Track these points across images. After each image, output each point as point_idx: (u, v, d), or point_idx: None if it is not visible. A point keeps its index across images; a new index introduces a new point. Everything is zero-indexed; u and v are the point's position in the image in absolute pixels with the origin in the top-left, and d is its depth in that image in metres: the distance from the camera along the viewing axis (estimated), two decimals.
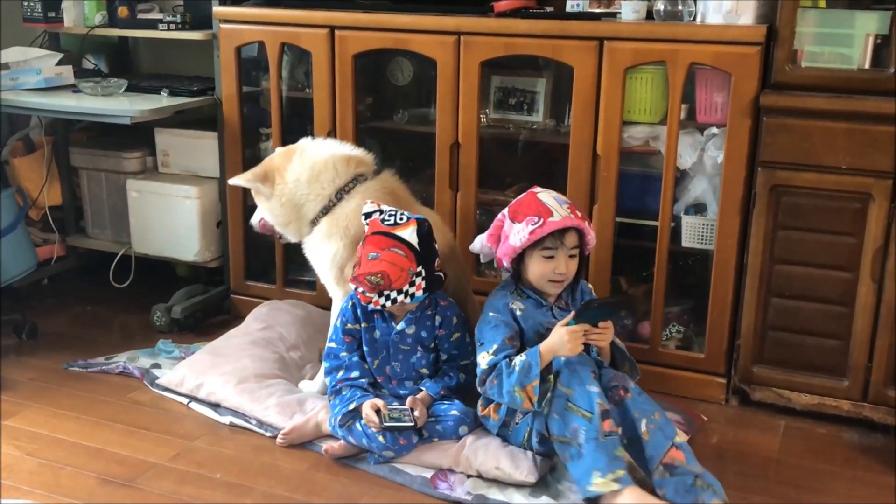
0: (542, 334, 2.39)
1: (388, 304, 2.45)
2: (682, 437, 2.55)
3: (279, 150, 2.81)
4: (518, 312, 2.41)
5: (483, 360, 2.38)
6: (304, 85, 3.33)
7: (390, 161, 3.01)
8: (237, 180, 2.74)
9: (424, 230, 2.48)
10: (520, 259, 2.42)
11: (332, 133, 3.12)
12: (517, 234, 2.36)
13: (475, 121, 2.97)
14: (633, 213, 2.92)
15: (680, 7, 2.74)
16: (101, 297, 3.64)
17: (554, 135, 3.08)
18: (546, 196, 2.41)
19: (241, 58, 3.32)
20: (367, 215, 2.52)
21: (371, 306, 2.53)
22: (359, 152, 2.78)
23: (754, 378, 2.80)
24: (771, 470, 2.52)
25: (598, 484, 2.14)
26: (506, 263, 2.43)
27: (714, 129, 2.77)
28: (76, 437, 2.61)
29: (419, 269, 2.44)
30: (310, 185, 2.68)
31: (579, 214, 2.38)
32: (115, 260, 3.61)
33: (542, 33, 2.82)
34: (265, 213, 2.78)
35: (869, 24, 2.53)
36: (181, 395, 2.83)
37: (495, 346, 2.36)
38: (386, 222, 2.48)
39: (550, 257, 2.36)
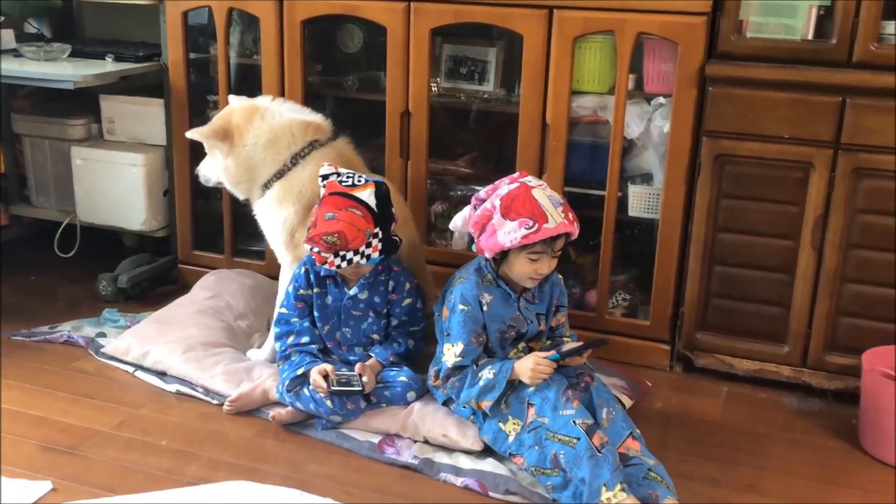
0: (503, 331, 2.40)
1: (344, 264, 2.42)
2: (627, 402, 2.63)
3: (237, 103, 2.75)
4: (485, 307, 2.38)
5: (448, 355, 2.37)
6: (252, 51, 3.29)
7: (340, 129, 2.98)
8: (194, 133, 2.69)
9: (383, 192, 2.47)
10: (503, 253, 2.35)
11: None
12: (508, 233, 2.27)
13: (426, 89, 2.96)
14: (582, 182, 2.94)
15: None
16: (45, 267, 3.58)
17: (505, 104, 3.09)
18: (540, 194, 2.30)
19: (190, 24, 3.27)
20: (325, 177, 2.51)
21: (324, 270, 2.53)
22: (317, 118, 2.76)
23: (698, 345, 2.85)
24: (712, 434, 2.57)
25: (609, 497, 2.08)
26: (487, 255, 2.37)
27: (661, 99, 2.80)
28: (17, 405, 2.57)
29: (376, 230, 2.43)
30: (266, 150, 2.66)
31: (571, 216, 2.31)
32: (60, 229, 3.55)
33: (493, 1, 2.81)
34: (216, 170, 2.75)
35: None
36: (127, 363, 2.80)
37: (462, 347, 2.35)
38: (344, 183, 2.47)
39: (536, 259, 2.33)
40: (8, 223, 3.70)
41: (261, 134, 2.65)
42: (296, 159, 2.67)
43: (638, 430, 2.28)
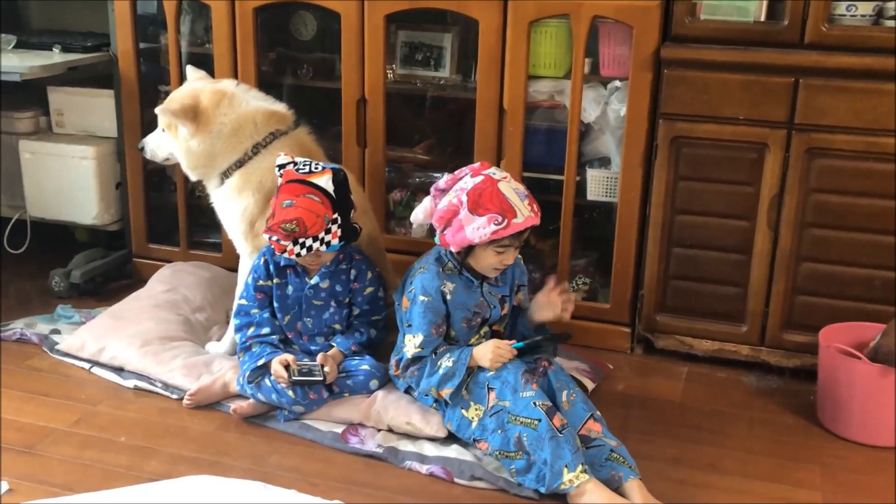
0: (469, 318, 2.39)
1: (304, 252, 2.39)
2: (589, 385, 2.64)
3: (203, 85, 2.68)
4: (448, 296, 2.37)
5: (409, 346, 2.36)
6: (204, 40, 3.24)
7: (297, 118, 2.94)
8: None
9: (340, 178, 2.45)
10: (469, 246, 2.34)
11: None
12: (476, 229, 2.25)
13: (381, 76, 2.93)
14: (540, 167, 2.94)
15: None
16: None
17: (461, 90, 3.07)
18: (507, 188, 2.28)
19: (140, 13, 3.21)
20: (281, 166, 2.47)
21: (284, 260, 2.50)
22: (280, 107, 2.73)
23: (658, 326, 2.87)
24: (674, 414, 2.60)
25: (570, 478, 2.09)
26: (453, 249, 2.35)
27: (617, 83, 2.80)
28: None
29: (335, 216, 2.40)
30: (229, 138, 2.61)
31: (536, 208, 2.31)
32: (10, 225, 3.46)
33: None
34: (171, 146, 2.69)
35: None
36: (82, 360, 2.75)
37: (422, 337, 2.34)
38: (301, 171, 2.44)
39: (503, 252, 2.33)
40: None
41: (227, 121, 2.60)
42: (257, 148, 2.63)
43: (599, 413, 2.29)
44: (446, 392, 2.32)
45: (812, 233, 2.64)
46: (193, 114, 2.58)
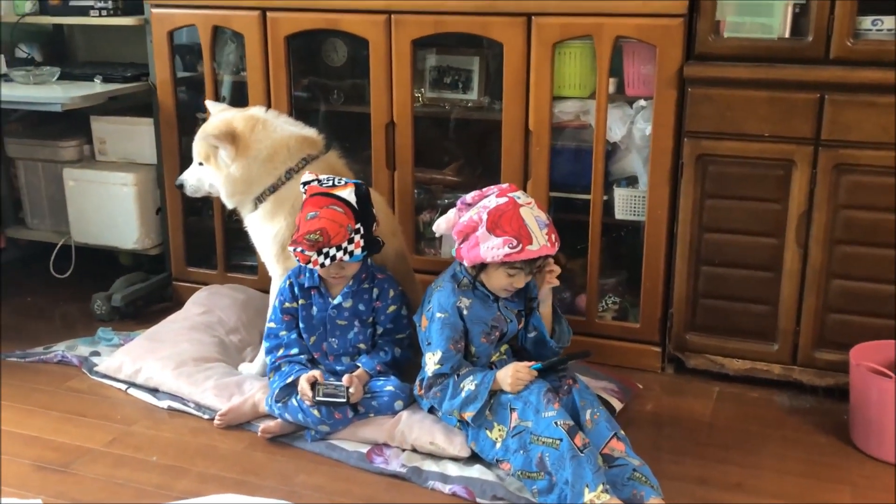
0: (487, 332, 2.41)
1: (327, 262, 2.42)
2: (617, 405, 2.63)
3: (233, 113, 2.74)
4: (465, 311, 2.39)
5: (429, 363, 2.38)
6: (239, 68, 3.32)
7: (329, 142, 2.99)
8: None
9: (363, 191, 2.50)
10: (482, 264, 2.37)
11: None
12: (490, 248, 2.28)
13: (409, 100, 2.98)
14: (567, 187, 2.95)
15: None
16: (42, 288, 3.61)
17: (489, 112, 3.10)
18: (528, 214, 2.31)
19: (181, 43, 3.31)
20: (306, 183, 2.53)
21: (308, 281, 2.56)
22: (312, 132, 2.78)
23: (688, 345, 2.85)
24: (703, 433, 2.57)
25: (591, 498, 2.07)
26: (466, 264, 2.38)
27: (642, 102, 2.80)
28: (10, 425, 2.59)
29: (357, 226, 2.44)
30: (264, 164, 2.66)
31: (553, 238, 2.32)
32: (55, 250, 3.58)
33: (471, 10, 2.83)
34: (213, 177, 2.72)
35: None
36: (119, 381, 2.82)
37: (440, 353, 2.36)
38: (324, 185, 2.50)
39: (514, 275, 2.35)
40: (4, 246, 3.74)
41: (263, 147, 2.66)
42: (290, 174, 2.69)
43: (622, 432, 2.28)
44: (469, 415, 2.34)
45: (842, 249, 2.60)
46: (232, 137, 2.63)
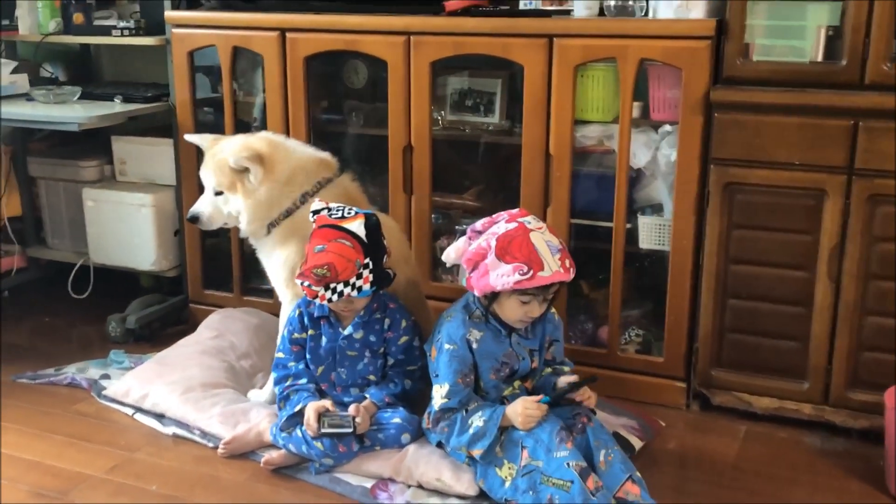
0: (497, 368, 2.32)
1: (335, 298, 2.35)
2: (637, 443, 2.51)
3: (241, 138, 2.66)
4: (474, 345, 2.30)
5: (436, 397, 2.30)
6: (259, 89, 3.28)
7: (347, 164, 2.93)
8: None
9: (372, 223, 2.42)
10: (494, 293, 2.27)
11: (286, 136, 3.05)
12: (500, 276, 2.19)
13: (427, 123, 2.91)
14: (589, 214, 2.85)
15: (631, 2, 2.67)
16: (60, 308, 3.58)
17: (511, 136, 3.02)
18: (538, 239, 2.22)
19: (205, 65, 3.28)
20: (316, 212, 2.46)
21: (318, 310, 2.49)
22: (326, 155, 2.73)
23: (714, 382, 2.72)
24: (728, 476, 2.44)
25: None
26: (477, 293, 2.29)
27: (668, 127, 2.70)
28: (13, 449, 2.54)
29: (366, 261, 2.37)
30: (283, 187, 2.60)
31: (567, 264, 2.23)
32: (74, 270, 3.56)
33: (491, 32, 2.76)
34: (233, 207, 2.61)
35: (820, 15, 2.46)
36: (126, 405, 2.77)
37: (448, 387, 2.27)
38: (333, 216, 2.42)
39: (527, 303, 2.25)
40: (25, 265, 3.72)
41: (285, 168, 2.59)
42: (305, 197, 2.62)
43: (638, 474, 2.17)
44: (477, 452, 2.24)
45: (877, 285, 2.46)
46: (260, 158, 2.56)
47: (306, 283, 2.35)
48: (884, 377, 2.48)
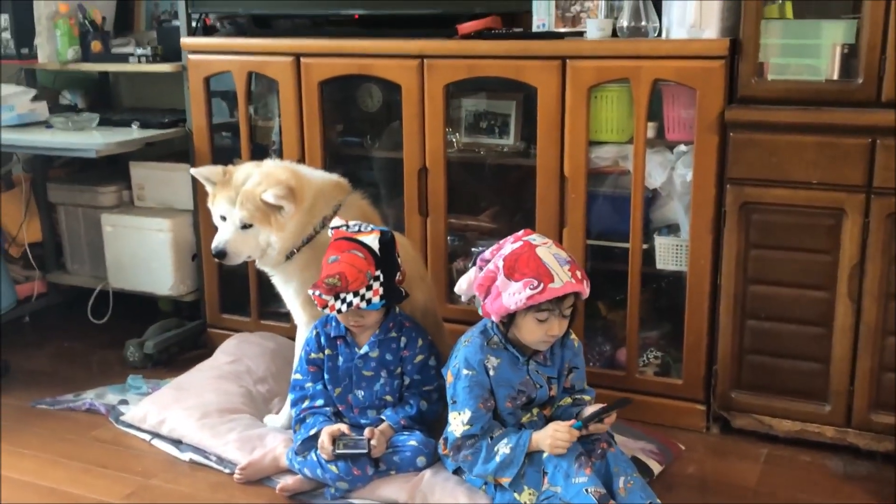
0: (513, 396, 2.30)
1: (344, 308, 2.34)
2: (656, 468, 2.48)
3: (252, 168, 2.59)
4: (491, 371, 2.28)
5: (455, 424, 2.27)
6: (274, 114, 3.30)
7: (362, 187, 2.93)
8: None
9: (387, 239, 2.42)
10: (510, 316, 2.24)
11: (300, 161, 3.07)
12: (512, 295, 2.17)
13: (442, 145, 2.90)
14: (605, 235, 2.83)
15: (644, 23, 2.66)
16: (80, 333, 3.60)
17: (526, 157, 3.01)
18: (545, 252, 2.20)
19: (221, 90, 3.30)
20: (334, 228, 2.48)
21: (335, 330, 2.49)
22: (339, 178, 2.72)
23: (734, 404, 2.68)
24: (748, 501, 2.40)
25: None
26: (494, 319, 2.27)
27: (683, 147, 2.69)
28: (31, 476, 2.55)
29: (377, 273, 2.37)
30: (307, 214, 2.59)
31: (579, 275, 2.20)
32: (93, 295, 3.58)
33: (505, 54, 2.76)
34: (263, 240, 2.54)
35: (835, 33, 2.44)
36: (144, 431, 2.77)
37: (469, 414, 2.25)
38: (350, 230, 2.44)
39: (545, 320, 2.22)
40: (45, 291, 3.75)
41: (307, 197, 2.58)
42: (324, 222, 2.62)
43: (658, 500, 2.13)
44: (505, 480, 2.21)
45: None
46: (292, 192, 2.51)
47: (317, 293, 2.34)
48: None
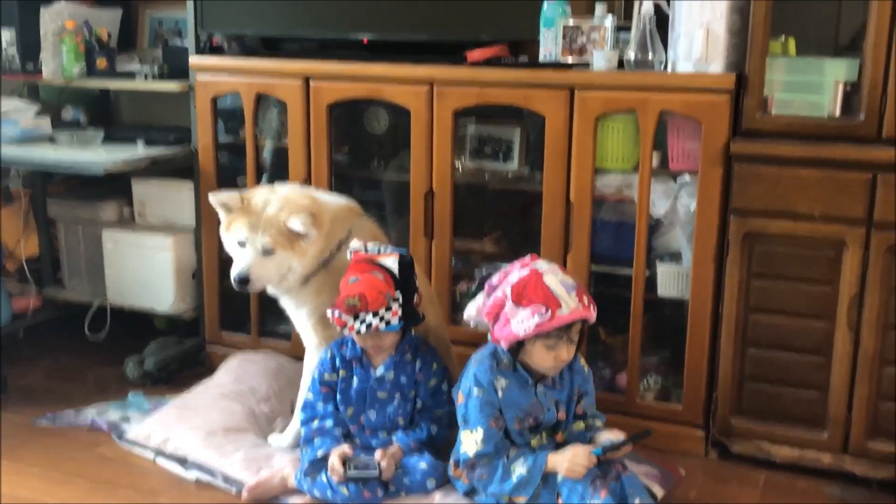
0: (521, 418, 2.33)
1: (363, 329, 2.37)
2: (658, 492, 2.52)
3: (268, 195, 2.58)
4: (500, 392, 2.32)
5: (468, 443, 2.31)
6: (281, 135, 3.32)
7: (367, 208, 2.96)
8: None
9: (406, 261, 2.46)
10: (519, 342, 2.29)
11: (307, 182, 3.10)
12: (521, 322, 2.22)
13: (449, 169, 2.95)
14: (609, 261, 2.89)
15: (650, 56, 2.72)
16: (76, 350, 3.59)
17: (529, 183, 3.06)
18: (552, 280, 2.24)
19: (223, 108, 3.32)
20: (354, 250, 2.51)
21: (350, 352, 2.52)
22: (350, 201, 2.75)
23: (733, 430, 2.74)
24: None
25: None
26: (503, 345, 2.31)
27: (687, 177, 2.75)
28: (38, 494, 2.54)
29: (396, 294, 2.40)
30: (326, 238, 2.59)
31: (586, 301, 2.25)
32: (91, 312, 3.57)
33: (514, 82, 2.82)
34: (288, 264, 2.53)
35: (838, 71, 2.52)
36: (148, 448, 2.77)
37: (482, 432, 2.29)
38: (370, 251, 2.48)
39: (553, 346, 2.26)
40: (41, 306, 3.73)
41: (326, 222, 2.59)
42: (339, 245, 2.64)
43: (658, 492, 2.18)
44: (521, 500, 2.25)
45: None
46: (315, 219, 2.53)
47: (336, 313, 2.37)
48: None
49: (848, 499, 2.58)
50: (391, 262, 2.42)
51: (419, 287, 2.49)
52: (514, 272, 2.31)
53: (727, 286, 2.65)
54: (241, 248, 2.56)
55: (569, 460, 2.21)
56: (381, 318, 2.38)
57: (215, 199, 2.59)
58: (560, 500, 2.21)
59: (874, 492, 2.59)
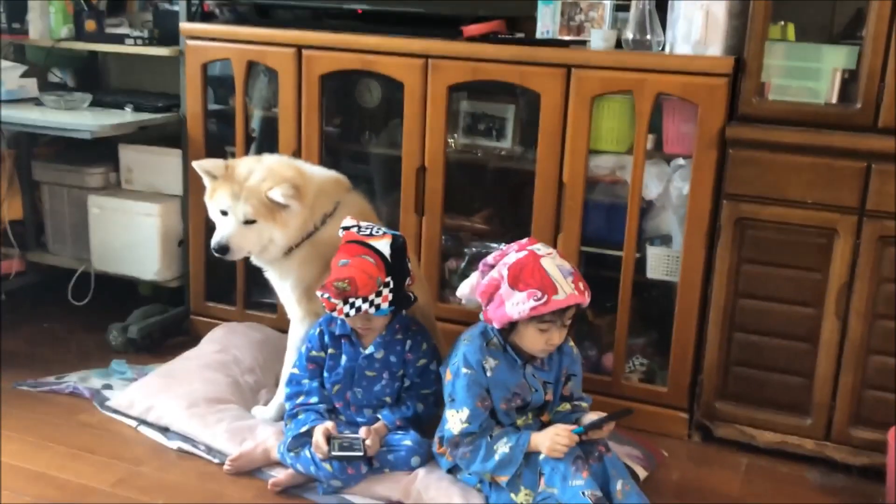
0: (508, 399, 2.33)
1: (353, 312, 2.35)
2: (641, 473, 2.53)
3: (253, 164, 2.57)
4: (488, 372, 2.31)
5: (453, 422, 2.30)
6: (271, 104, 3.29)
7: (356, 182, 2.94)
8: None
9: (399, 244, 2.43)
10: (511, 323, 2.27)
11: (297, 154, 3.07)
12: (516, 304, 2.21)
13: (442, 145, 2.92)
14: (599, 242, 2.88)
15: (649, 37, 2.70)
16: (59, 315, 3.55)
17: (522, 162, 3.04)
18: (549, 264, 2.23)
19: (213, 75, 3.28)
20: (345, 228, 2.47)
21: (339, 329, 2.50)
22: (339, 175, 2.72)
23: (717, 414, 2.74)
24: None
25: None
26: (496, 325, 2.30)
27: (681, 160, 2.74)
28: (16, 459, 2.52)
29: (388, 279, 2.38)
30: (309, 210, 2.56)
31: (581, 286, 2.24)
32: (75, 277, 3.53)
33: (510, 59, 2.79)
34: (268, 236, 2.52)
35: (837, 58, 2.51)
36: (130, 417, 2.75)
37: (468, 412, 2.28)
38: (362, 233, 2.44)
39: (546, 330, 2.26)
40: (24, 270, 3.69)
41: (310, 195, 2.56)
42: (325, 219, 2.61)
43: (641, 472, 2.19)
44: (503, 479, 2.25)
45: (883, 324, 2.50)
46: (299, 191, 2.50)
47: (326, 296, 2.35)
48: (886, 415, 2.52)
49: (828, 485, 2.60)
50: (383, 245, 2.38)
51: (412, 269, 2.46)
52: (512, 254, 2.29)
53: (717, 270, 2.65)
54: (224, 217, 2.54)
55: (550, 439, 2.21)
56: (371, 303, 2.36)
57: (199, 165, 2.57)
58: (542, 480, 2.20)
59: (854, 478, 2.61)
